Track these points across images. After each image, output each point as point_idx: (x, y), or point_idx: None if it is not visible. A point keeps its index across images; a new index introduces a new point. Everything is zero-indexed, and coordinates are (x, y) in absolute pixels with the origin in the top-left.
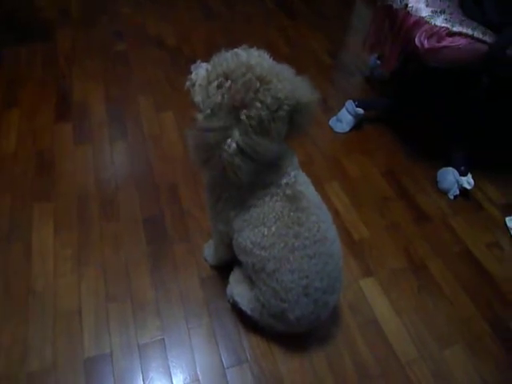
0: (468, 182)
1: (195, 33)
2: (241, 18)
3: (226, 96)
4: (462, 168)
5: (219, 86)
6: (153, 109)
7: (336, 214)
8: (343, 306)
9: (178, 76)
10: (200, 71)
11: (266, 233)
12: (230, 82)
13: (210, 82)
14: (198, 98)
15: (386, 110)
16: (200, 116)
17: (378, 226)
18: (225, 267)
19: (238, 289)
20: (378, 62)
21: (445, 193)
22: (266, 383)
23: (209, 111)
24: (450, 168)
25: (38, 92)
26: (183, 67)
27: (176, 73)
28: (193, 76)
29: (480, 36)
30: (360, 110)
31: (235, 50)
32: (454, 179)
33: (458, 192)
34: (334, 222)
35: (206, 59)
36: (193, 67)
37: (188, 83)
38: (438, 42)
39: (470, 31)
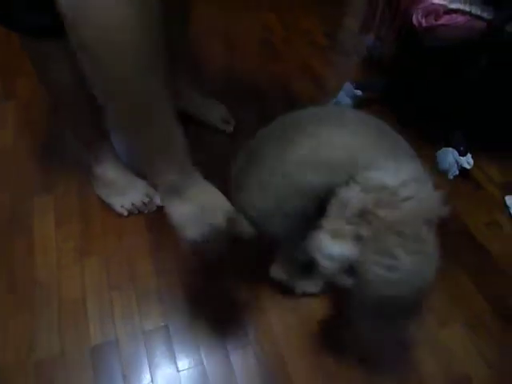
0: (467, 161)
1: None
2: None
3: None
4: (462, 148)
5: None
6: None
7: None
8: None
9: None
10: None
11: None
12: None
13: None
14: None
15: (384, 91)
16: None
17: None
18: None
19: None
20: (377, 41)
21: (444, 174)
22: (268, 365)
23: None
24: (450, 148)
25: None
26: None
27: None
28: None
29: (478, 13)
30: (358, 92)
31: (406, 179)
32: (453, 160)
33: (457, 172)
34: None
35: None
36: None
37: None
38: (436, 20)
39: (467, 8)
